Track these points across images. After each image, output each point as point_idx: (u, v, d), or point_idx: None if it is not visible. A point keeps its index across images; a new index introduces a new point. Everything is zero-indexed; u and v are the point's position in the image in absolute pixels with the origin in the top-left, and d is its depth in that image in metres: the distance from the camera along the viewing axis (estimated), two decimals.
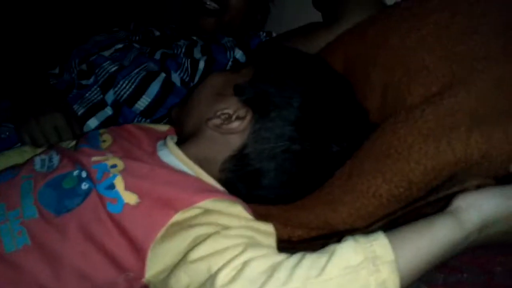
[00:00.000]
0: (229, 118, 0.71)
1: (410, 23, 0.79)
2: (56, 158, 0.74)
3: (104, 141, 0.77)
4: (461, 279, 0.58)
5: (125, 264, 0.62)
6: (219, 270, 0.54)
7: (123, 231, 0.62)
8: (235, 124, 0.71)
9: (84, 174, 0.68)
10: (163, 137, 0.80)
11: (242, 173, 0.72)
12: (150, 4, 1.60)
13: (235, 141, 0.71)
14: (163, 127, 0.88)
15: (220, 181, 0.72)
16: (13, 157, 0.84)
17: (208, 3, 1.24)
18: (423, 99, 0.70)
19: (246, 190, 0.73)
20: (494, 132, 0.59)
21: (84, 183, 0.67)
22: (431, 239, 0.52)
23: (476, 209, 0.53)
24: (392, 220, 0.67)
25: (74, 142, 0.84)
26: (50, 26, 1.45)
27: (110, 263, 0.62)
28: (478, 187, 0.62)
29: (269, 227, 0.63)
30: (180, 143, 0.76)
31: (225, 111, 0.72)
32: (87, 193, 0.65)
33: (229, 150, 0.72)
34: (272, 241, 0.62)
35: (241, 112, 0.71)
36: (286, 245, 0.72)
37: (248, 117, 0.71)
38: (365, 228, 0.68)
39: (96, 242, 0.62)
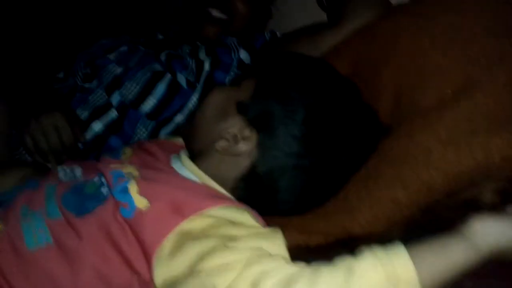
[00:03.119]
0: (235, 138, 0.70)
1: (420, 23, 0.79)
2: (78, 170, 0.77)
3: (124, 153, 0.79)
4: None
5: (137, 267, 0.63)
6: None
7: (135, 234, 0.63)
8: (241, 146, 0.70)
9: (103, 180, 0.70)
10: (177, 150, 0.80)
11: (254, 191, 0.72)
12: (153, 9, 1.58)
13: (244, 162, 0.71)
14: (177, 140, 0.87)
15: (234, 197, 0.72)
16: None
17: (214, 12, 1.20)
18: (438, 101, 0.70)
19: (260, 206, 0.72)
20: None
21: (103, 188, 0.69)
22: (447, 263, 0.51)
23: (493, 238, 0.52)
24: (411, 224, 0.67)
25: None
26: (55, 30, 1.43)
27: (125, 264, 0.63)
28: (496, 191, 0.63)
29: (277, 235, 0.62)
30: (192, 159, 0.76)
31: (230, 130, 0.71)
32: (106, 196, 0.68)
33: (238, 170, 0.71)
34: (282, 249, 0.61)
35: (246, 132, 0.70)
36: (304, 252, 0.73)
37: (254, 137, 0.70)
38: (383, 234, 0.68)
39: (114, 243, 0.64)
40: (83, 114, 1.06)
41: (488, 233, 0.52)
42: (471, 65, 0.69)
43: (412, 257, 0.50)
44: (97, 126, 1.07)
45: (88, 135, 1.05)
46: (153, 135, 1.10)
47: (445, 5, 0.81)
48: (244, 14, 1.22)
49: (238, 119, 0.72)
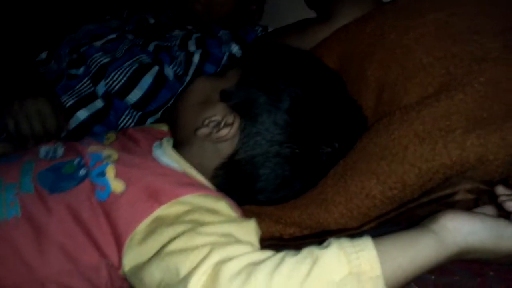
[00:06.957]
0: (217, 126, 0.70)
1: (408, 21, 0.78)
2: (61, 149, 0.76)
3: (108, 138, 0.79)
4: (452, 281, 0.57)
5: (106, 251, 0.62)
6: (190, 274, 0.51)
7: (108, 219, 0.63)
8: (224, 132, 0.69)
9: (83, 162, 0.70)
10: (161, 137, 0.79)
11: (234, 179, 0.71)
12: None
13: (225, 148, 0.70)
14: (163, 127, 0.87)
15: (213, 185, 0.71)
16: None
17: None
18: (419, 99, 0.69)
19: (239, 194, 0.72)
20: (490, 136, 0.58)
21: (82, 170, 0.69)
22: (413, 257, 0.50)
23: (463, 236, 0.51)
24: (384, 220, 0.67)
25: None
26: (40, 12, 1.39)
27: (94, 247, 0.63)
28: (471, 191, 0.62)
29: (250, 224, 0.61)
30: (175, 146, 0.76)
31: (213, 118, 0.71)
32: (82, 178, 0.67)
33: (220, 157, 0.71)
34: (252, 236, 0.60)
35: (229, 119, 0.70)
36: (277, 242, 0.72)
37: (236, 123, 0.69)
38: (357, 228, 0.67)
39: (83, 225, 0.63)
40: (69, 102, 1.04)
41: (457, 230, 0.51)
42: (453, 64, 0.68)
43: (378, 251, 0.49)
44: (82, 115, 1.04)
45: (73, 123, 1.04)
46: (140, 124, 1.09)
47: (434, 2, 0.80)
48: None
49: (221, 106, 0.72)
